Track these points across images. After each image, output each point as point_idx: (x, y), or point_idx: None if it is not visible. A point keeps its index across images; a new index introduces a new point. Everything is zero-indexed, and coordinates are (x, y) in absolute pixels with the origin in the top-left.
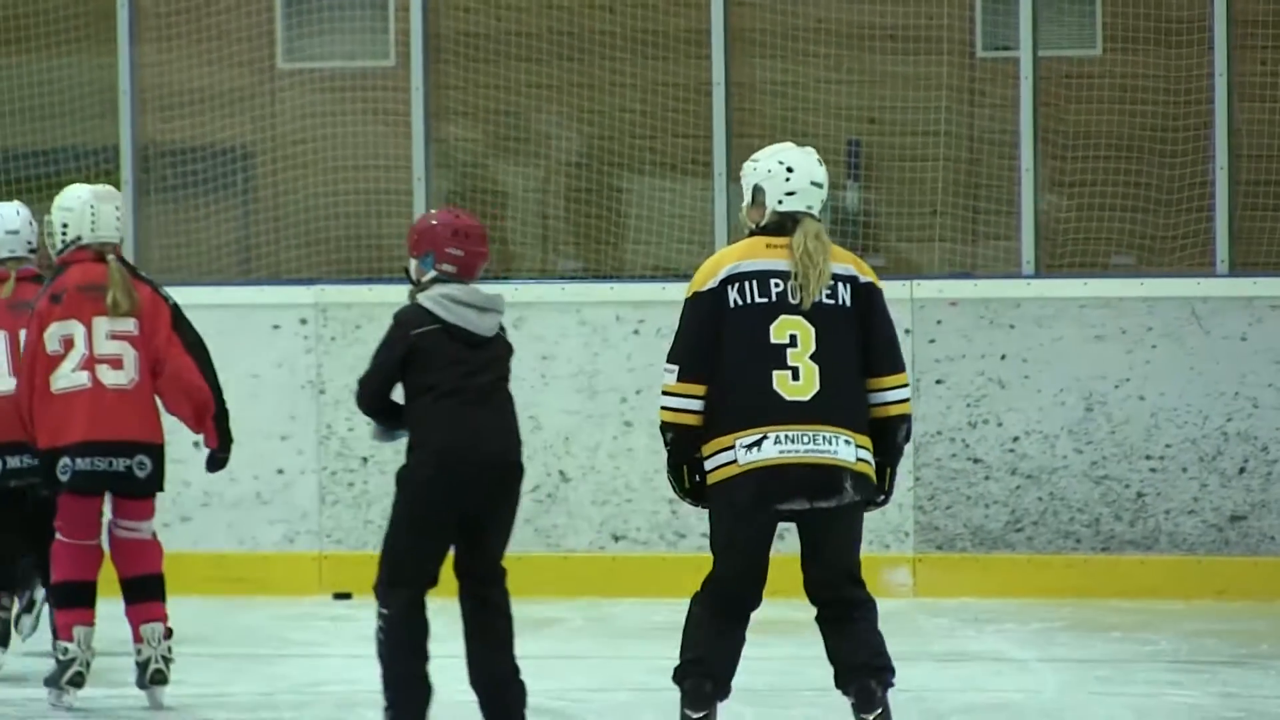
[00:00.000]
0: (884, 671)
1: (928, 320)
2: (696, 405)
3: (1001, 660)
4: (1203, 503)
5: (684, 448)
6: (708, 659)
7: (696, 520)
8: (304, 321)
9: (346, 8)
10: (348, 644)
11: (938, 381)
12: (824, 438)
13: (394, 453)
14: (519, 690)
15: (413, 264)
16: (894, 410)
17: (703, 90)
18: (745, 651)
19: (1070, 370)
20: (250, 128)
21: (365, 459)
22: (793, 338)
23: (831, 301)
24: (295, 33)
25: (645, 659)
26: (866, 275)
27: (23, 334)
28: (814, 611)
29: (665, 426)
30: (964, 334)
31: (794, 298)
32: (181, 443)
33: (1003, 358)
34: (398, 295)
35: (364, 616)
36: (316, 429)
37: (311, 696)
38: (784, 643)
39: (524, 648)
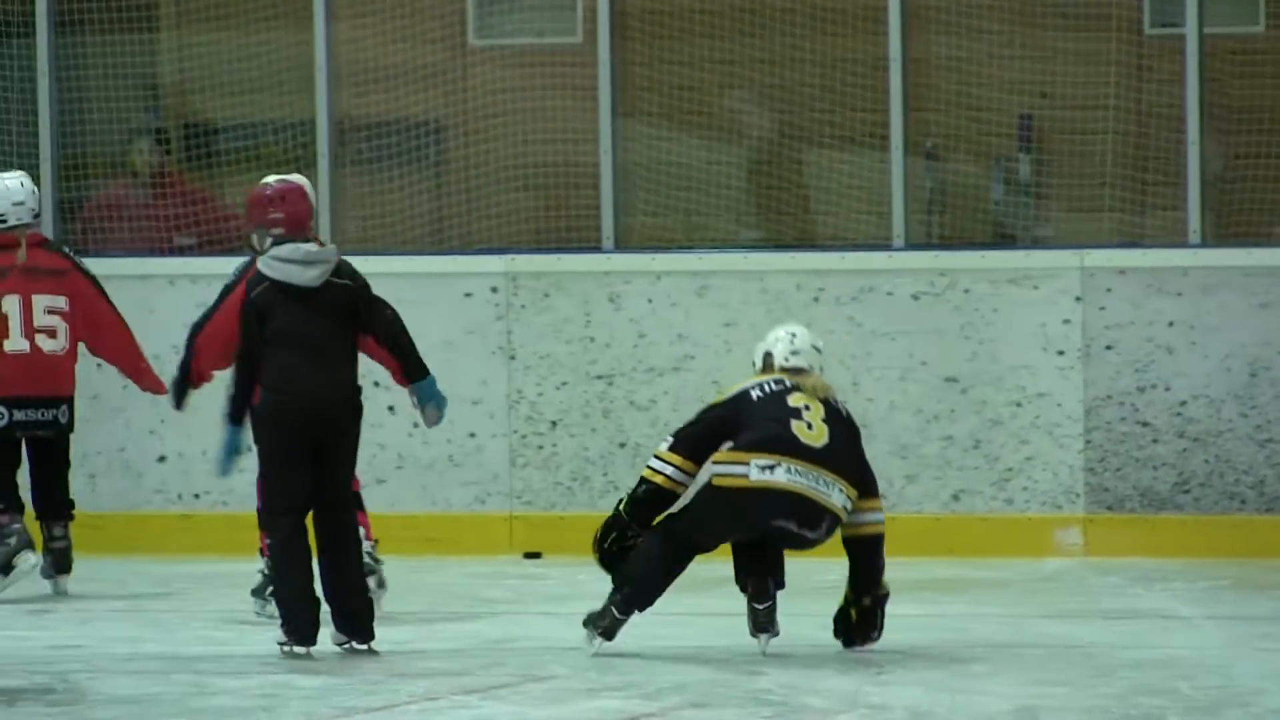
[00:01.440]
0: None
1: (1098, 288)
2: (677, 475)
3: (1169, 618)
4: None
5: (646, 507)
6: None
7: None
8: (495, 290)
9: None
10: (538, 602)
11: (1107, 348)
12: (825, 481)
13: (583, 416)
14: (366, 601)
15: (253, 238)
16: (870, 530)
17: (879, 65)
18: (919, 609)
19: (1236, 337)
20: (442, 102)
21: (554, 423)
22: (806, 406)
23: (833, 406)
24: (486, 10)
25: (815, 615)
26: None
27: (36, 299)
28: (987, 573)
29: (643, 480)
30: (1133, 301)
31: (801, 392)
32: (376, 409)
33: (1170, 324)
34: (585, 264)
35: (554, 575)
36: (507, 394)
37: (503, 653)
38: (957, 601)
39: (702, 605)
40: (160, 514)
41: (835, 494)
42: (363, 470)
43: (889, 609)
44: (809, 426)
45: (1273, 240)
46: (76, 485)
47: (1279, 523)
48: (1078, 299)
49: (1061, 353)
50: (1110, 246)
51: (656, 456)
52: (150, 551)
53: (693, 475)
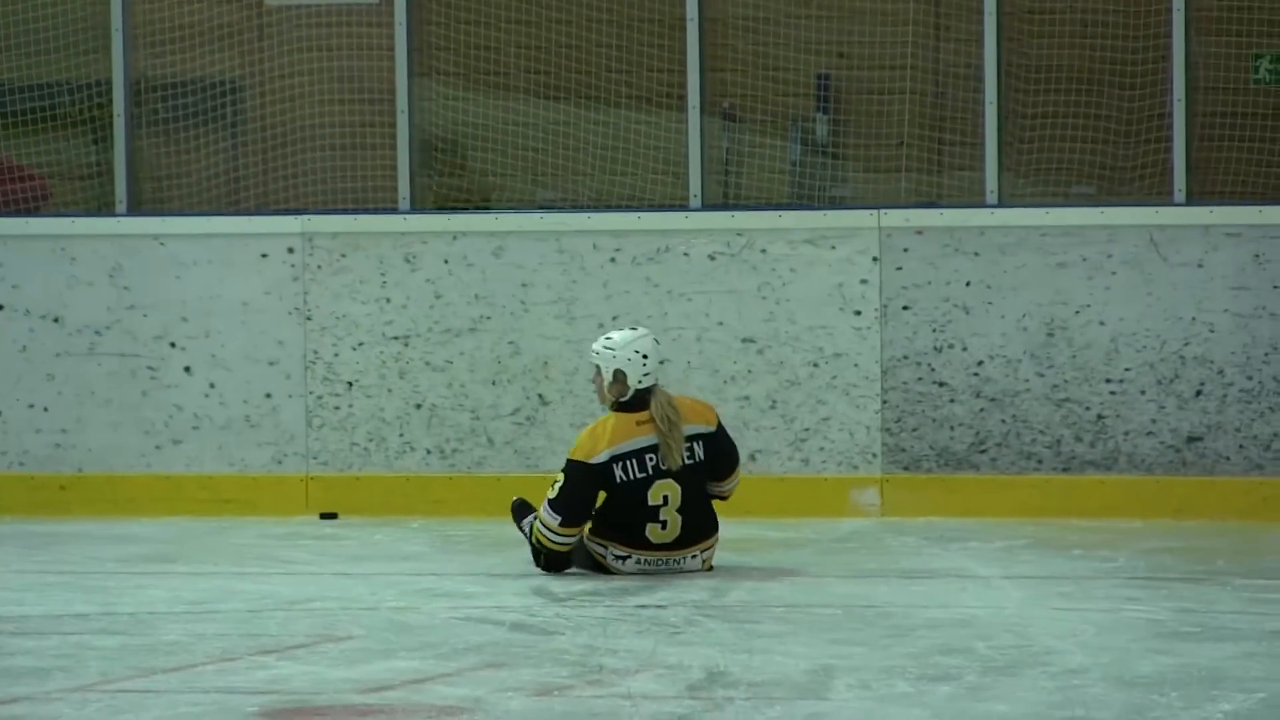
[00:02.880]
0: None
1: (894, 248)
2: (571, 542)
3: (966, 577)
4: (1160, 424)
5: (551, 563)
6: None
7: None
8: (291, 250)
9: None
10: (334, 562)
11: (904, 308)
12: (675, 560)
13: (379, 377)
14: None
15: None
16: (726, 490)
17: (677, 25)
18: (715, 570)
19: (1032, 296)
20: (239, 62)
21: (350, 383)
22: (665, 498)
23: (691, 461)
24: None
25: (619, 575)
26: (711, 424)
27: None
28: (784, 533)
29: (541, 547)
30: (929, 261)
31: (664, 464)
32: (173, 368)
33: (967, 284)
34: (382, 225)
35: (350, 535)
36: (303, 354)
37: (299, 612)
38: (754, 561)
39: (499, 565)
40: None
41: (688, 561)
42: (160, 430)
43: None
44: (663, 527)
45: (1070, 200)
46: None
47: (1075, 482)
48: (875, 259)
49: (859, 313)
50: (907, 206)
51: (550, 530)
52: None
53: (578, 534)
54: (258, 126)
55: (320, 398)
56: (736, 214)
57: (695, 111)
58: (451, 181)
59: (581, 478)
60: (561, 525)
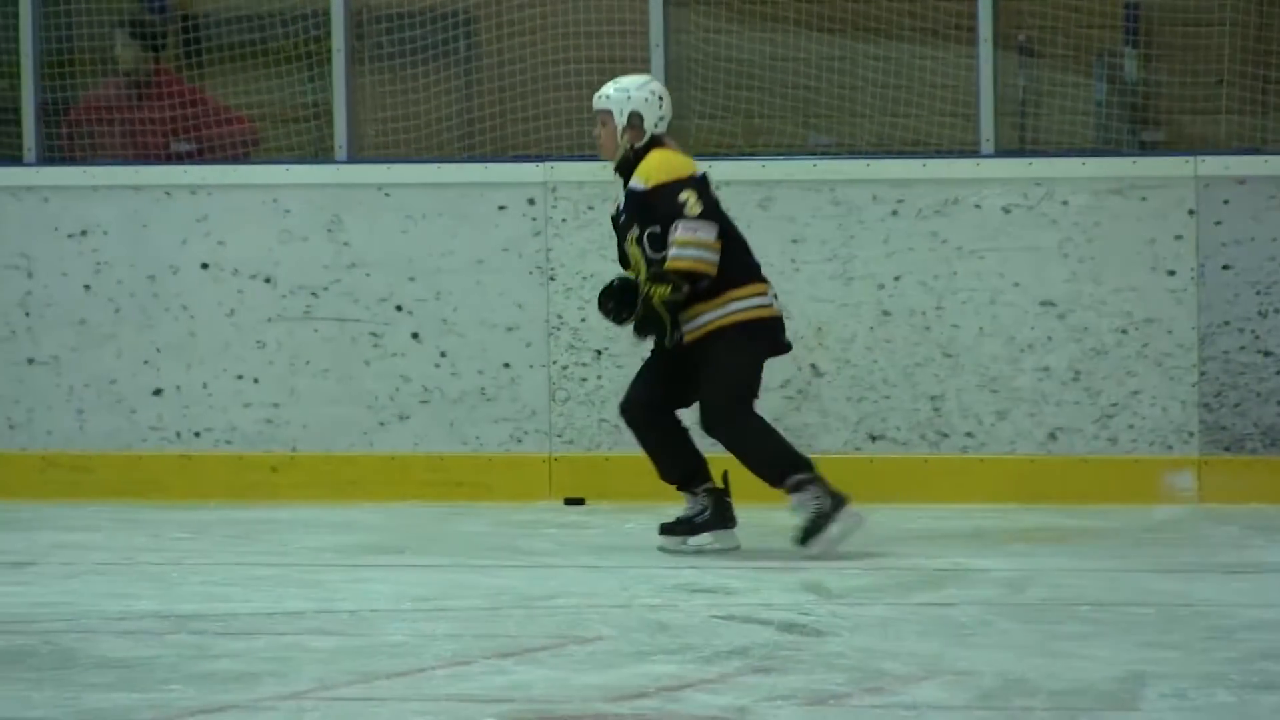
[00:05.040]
0: None
1: (1213, 200)
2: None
3: None
4: None
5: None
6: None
7: (959, 418)
8: (532, 202)
9: None
10: (579, 553)
11: (1224, 267)
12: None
13: (632, 345)
14: None
15: None
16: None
17: None
18: (1010, 563)
19: None
20: None
21: (599, 352)
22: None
23: None
24: None
25: (902, 569)
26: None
27: None
28: (1088, 521)
29: (698, 275)
30: (1253, 215)
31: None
32: (399, 334)
33: None
34: None
35: (598, 524)
36: (546, 319)
37: (540, 610)
38: (1054, 553)
39: (776, 558)
40: (156, 454)
41: None
42: (384, 404)
43: (975, 563)
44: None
45: None
46: (63, 421)
47: None
48: (1191, 212)
49: (1172, 273)
50: (1228, 153)
51: (710, 247)
52: (145, 496)
53: None
54: (494, 62)
55: (565, 368)
56: (1034, 161)
57: (987, 45)
58: (712, 124)
59: (707, 188)
60: (717, 237)
